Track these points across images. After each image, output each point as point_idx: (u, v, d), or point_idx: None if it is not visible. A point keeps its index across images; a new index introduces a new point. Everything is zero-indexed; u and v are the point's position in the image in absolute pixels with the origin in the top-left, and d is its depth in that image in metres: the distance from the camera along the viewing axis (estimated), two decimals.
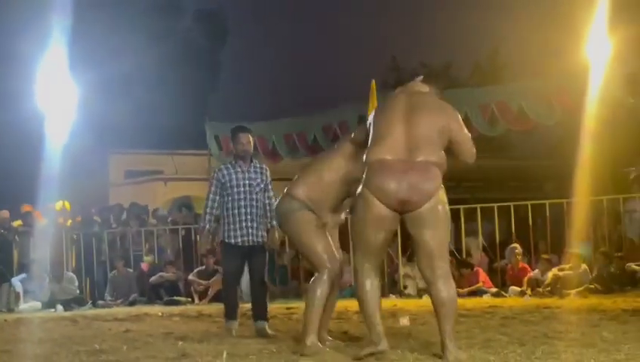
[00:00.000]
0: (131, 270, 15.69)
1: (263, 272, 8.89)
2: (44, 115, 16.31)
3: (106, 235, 16.37)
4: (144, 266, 15.74)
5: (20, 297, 14.27)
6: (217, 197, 8.78)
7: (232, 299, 8.87)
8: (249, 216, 8.63)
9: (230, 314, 8.77)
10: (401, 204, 5.63)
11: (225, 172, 8.77)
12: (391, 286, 14.33)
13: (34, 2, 31.01)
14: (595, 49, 12.70)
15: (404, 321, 8.74)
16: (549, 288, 12.34)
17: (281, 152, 16.82)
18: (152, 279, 15.41)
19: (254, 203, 8.66)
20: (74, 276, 15.07)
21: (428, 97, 6.06)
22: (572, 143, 13.50)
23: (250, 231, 8.60)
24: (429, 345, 6.45)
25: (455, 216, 14.24)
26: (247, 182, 8.68)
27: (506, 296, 12.60)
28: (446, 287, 5.67)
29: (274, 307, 12.19)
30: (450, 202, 15.20)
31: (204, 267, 15.15)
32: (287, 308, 11.71)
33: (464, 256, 14.34)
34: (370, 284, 5.89)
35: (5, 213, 15.94)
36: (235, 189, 8.65)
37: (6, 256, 14.94)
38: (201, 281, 14.94)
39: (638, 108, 13.75)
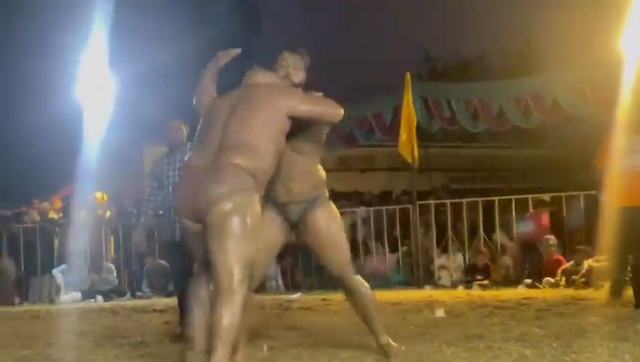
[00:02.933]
0: (162, 261, 15.73)
1: None
2: (83, 108, 16.44)
3: (140, 226, 16.42)
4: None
5: (61, 288, 14.44)
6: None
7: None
8: None
9: None
10: (193, 212, 4.92)
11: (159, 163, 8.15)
12: (426, 277, 14.34)
13: None
14: (629, 39, 12.61)
15: (440, 313, 8.80)
16: (583, 279, 12.30)
17: None
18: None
19: None
20: (112, 266, 15.22)
21: (261, 88, 5.29)
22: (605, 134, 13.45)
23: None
24: (465, 337, 6.51)
25: (489, 206, 14.28)
26: (178, 173, 7.79)
27: (540, 287, 12.58)
28: (224, 311, 4.67)
29: (310, 298, 12.31)
30: (486, 192, 15.04)
31: None
32: (323, 299, 11.76)
33: (498, 247, 14.34)
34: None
35: (46, 206, 16.15)
36: (168, 181, 7.99)
37: (47, 247, 15.08)
38: None
39: None
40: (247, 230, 4.75)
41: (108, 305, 13.20)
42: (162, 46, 30.60)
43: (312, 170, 5.70)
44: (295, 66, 5.60)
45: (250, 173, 4.84)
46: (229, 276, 4.68)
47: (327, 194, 5.82)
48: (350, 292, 5.89)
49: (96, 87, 17.76)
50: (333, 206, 5.85)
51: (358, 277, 5.91)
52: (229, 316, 4.64)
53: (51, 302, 14.04)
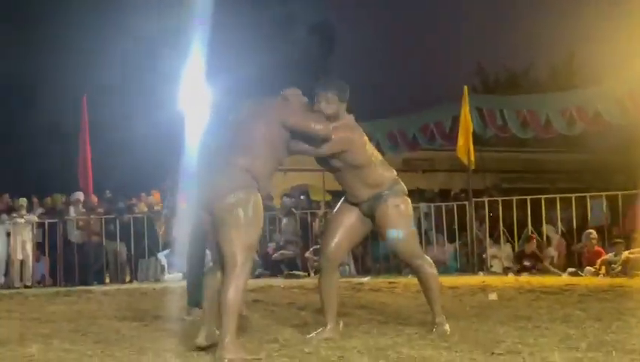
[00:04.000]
0: None
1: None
2: (184, 117, 16.67)
3: None
4: (270, 249, 15.89)
5: (165, 269, 14.66)
6: None
7: None
8: None
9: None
10: (205, 206, 5.15)
11: None
12: (480, 264, 14.28)
13: (172, 13, 31.64)
14: None
15: (493, 296, 8.74)
16: (620, 268, 12.13)
17: (383, 148, 16.90)
18: (275, 256, 15.65)
19: None
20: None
21: (268, 101, 5.57)
22: None
23: None
24: (515, 318, 6.47)
25: (536, 204, 14.15)
26: None
27: (582, 276, 12.42)
28: (230, 288, 4.89)
29: (379, 281, 12.31)
30: (534, 191, 14.84)
31: (318, 246, 15.31)
32: (390, 283, 11.74)
33: (544, 240, 14.21)
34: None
35: (152, 199, 16.43)
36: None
37: (153, 234, 15.32)
38: (316, 258, 15.12)
39: None
40: (248, 221, 4.98)
41: None
42: (252, 61, 30.90)
43: (362, 178, 5.77)
44: (328, 101, 5.68)
45: (249, 171, 5.08)
46: (233, 260, 4.93)
47: (393, 190, 5.81)
48: (416, 274, 6.02)
49: (194, 99, 17.99)
50: (399, 200, 5.81)
51: (424, 262, 5.93)
52: (233, 292, 4.88)
53: (157, 280, 14.25)
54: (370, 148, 5.91)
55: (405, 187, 5.94)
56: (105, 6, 31.34)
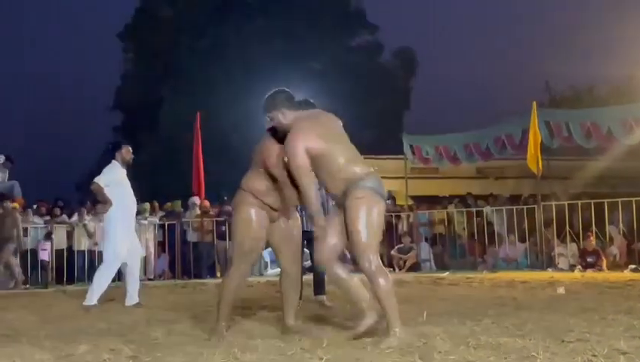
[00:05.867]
0: None
1: None
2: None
3: None
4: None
5: (268, 265, 14.78)
6: None
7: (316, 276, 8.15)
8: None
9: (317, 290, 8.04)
10: None
11: None
12: (548, 261, 14.03)
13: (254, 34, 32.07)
14: None
15: (561, 290, 8.56)
16: None
17: (460, 157, 16.82)
18: None
19: None
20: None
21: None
22: None
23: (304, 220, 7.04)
24: (582, 310, 6.32)
25: (599, 207, 13.83)
26: None
27: None
28: (226, 280, 5.43)
29: (457, 276, 12.19)
30: (596, 196, 14.53)
31: (402, 245, 15.28)
32: (467, 278, 11.64)
33: (607, 240, 13.91)
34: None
35: None
36: None
37: None
38: (400, 255, 15.07)
39: None
40: (238, 227, 5.34)
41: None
42: (343, 81, 31.09)
43: (332, 173, 4.96)
44: (284, 115, 5.13)
45: (246, 191, 5.29)
46: (232, 256, 5.48)
47: (359, 185, 4.89)
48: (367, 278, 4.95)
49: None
50: (361, 193, 4.89)
51: (371, 266, 4.85)
52: (227, 283, 5.37)
53: (260, 275, 14.38)
54: (339, 140, 5.12)
55: (377, 184, 4.99)
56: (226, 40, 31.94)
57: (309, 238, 7.59)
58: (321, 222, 5.03)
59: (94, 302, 8.32)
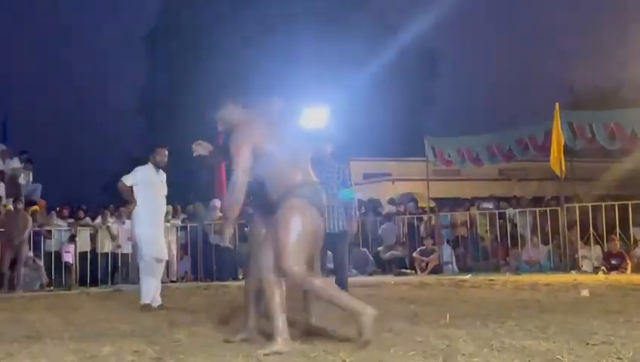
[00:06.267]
0: (364, 249, 15.93)
1: (343, 256, 7.85)
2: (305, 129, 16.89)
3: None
4: (381, 253, 15.87)
5: None
6: None
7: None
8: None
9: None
10: None
11: None
12: (571, 264, 13.93)
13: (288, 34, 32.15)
14: None
15: (585, 293, 8.48)
16: None
17: (482, 159, 16.74)
18: (385, 255, 15.63)
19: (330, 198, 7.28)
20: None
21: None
22: None
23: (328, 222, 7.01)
24: (606, 312, 6.26)
25: (624, 209, 13.72)
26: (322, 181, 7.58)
27: None
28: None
29: (479, 279, 12.14)
30: (620, 198, 14.44)
31: (424, 247, 15.24)
32: (490, 280, 11.58)
33: (632, 242, 13.79)
34: None
35: None
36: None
37: None
38: (422, 258, 15.03)
39: None
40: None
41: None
42: (367, 84, 31.07)
43: (269, 180, 4.89)
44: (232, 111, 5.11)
45: None
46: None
47: (289, 194, 4.77)
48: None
49: (314, 112, 18.22)
50: (288, 203, 4.75)
51: (291, 275, 4.69)
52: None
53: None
54: (281, 146, 4.89)
55: (313, 193, 4.84)
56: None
57: (331, 240, 7.59)
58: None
59: (146, 301, 8.45)
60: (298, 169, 4.87)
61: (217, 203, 15.96)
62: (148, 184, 8.59)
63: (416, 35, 32.98)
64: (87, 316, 7.51)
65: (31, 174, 18.03)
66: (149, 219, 8.52)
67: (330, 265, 8.85)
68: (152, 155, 8.73)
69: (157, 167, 8.71)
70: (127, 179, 8.60)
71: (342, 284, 7.96)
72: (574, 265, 13.82)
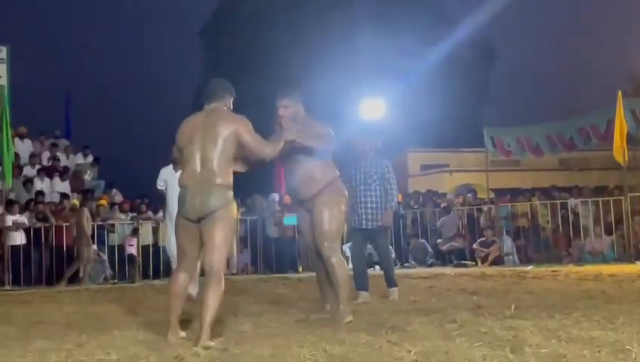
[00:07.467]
0: (422, 241, 15.85)
1: (385, 249, 8.11)
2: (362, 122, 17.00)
3: (408, 214, 16.72)
4: (440, 244, 15.76)
5: (349, 259, 14.72)
6: None
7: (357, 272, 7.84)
8: (362, 204, 7.68)
9: (359, 286, 7.73)
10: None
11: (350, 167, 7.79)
12: (636, 254, 13.59)
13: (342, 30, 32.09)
14: None
15: None
16: None
17: (543, 149, 16.50)
18: (444, 247, 15.52)
19: (369, 192, 7.68)
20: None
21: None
22: None
23: (365, 216, 7.66)
24: None
25: None
26: (361, 176, 7.70)
27: None
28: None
29: (541, 270, 11.95)
30: None
31: (484, 238, 15.09)
32: (552, 271, 11.40)
33: None
34: None
35: None
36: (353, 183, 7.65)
37: None
38: (482, 249, 14.89)
39: None
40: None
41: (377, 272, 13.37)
42: (426, 77, 30.87)
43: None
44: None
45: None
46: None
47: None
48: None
49: (372, 106, 18.24)
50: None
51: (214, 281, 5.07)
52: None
53: None
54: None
55: (182, 200, 5.02)
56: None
57: (368, 234, 7.87)
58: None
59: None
60: (238, 166, 5.36)
61: (276, 196, 16.04)
62: (170, 185, 8.77)
63: (473, 26, 32.64)
64: (152, 308, 7.61)
65: (96, 170, 18.40)
66: (171, 217, 8.67)
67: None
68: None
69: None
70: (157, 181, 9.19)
71: (389, 277, 8.00)
72: (639, 256, 13.54)
